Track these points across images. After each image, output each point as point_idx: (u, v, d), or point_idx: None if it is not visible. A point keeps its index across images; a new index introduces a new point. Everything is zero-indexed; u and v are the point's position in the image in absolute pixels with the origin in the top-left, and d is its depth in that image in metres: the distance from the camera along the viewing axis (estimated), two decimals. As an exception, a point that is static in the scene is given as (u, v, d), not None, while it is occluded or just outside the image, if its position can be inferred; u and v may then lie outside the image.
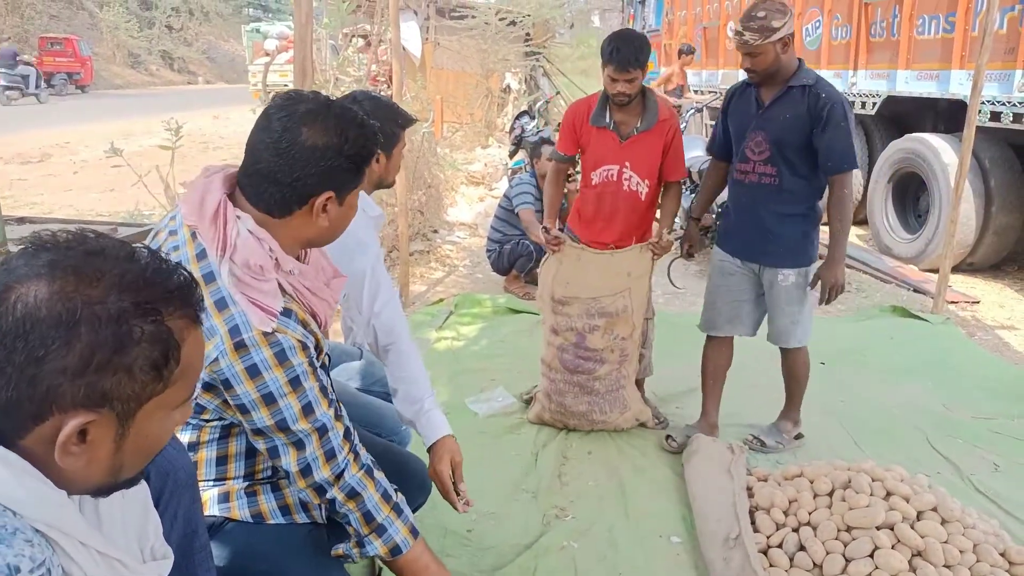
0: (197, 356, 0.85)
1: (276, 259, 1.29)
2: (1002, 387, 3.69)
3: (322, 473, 1.35)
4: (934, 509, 2.23)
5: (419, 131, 6.57)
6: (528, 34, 12.37)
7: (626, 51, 2.69)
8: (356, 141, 1.33)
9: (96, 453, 0.77)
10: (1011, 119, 5.23)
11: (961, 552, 2.12)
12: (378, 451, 1.77)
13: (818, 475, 2.43)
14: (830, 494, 2.37)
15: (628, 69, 2.70)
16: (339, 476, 1.37)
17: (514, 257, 5.13)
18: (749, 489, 2.55)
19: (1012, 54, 5.22)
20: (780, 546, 2.28)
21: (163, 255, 0.85)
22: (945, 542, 2.14)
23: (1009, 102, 5.24)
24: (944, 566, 2.09)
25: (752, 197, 2.78)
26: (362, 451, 1.45)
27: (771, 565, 2.24)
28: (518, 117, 9.41)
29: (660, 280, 3.81)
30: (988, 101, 5.30)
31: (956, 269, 5.65)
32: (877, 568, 2.10)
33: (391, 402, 2.19)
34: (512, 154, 8.56)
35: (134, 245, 0.84)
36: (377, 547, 1.41)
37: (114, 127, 14.23)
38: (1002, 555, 2.17)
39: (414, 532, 1.46)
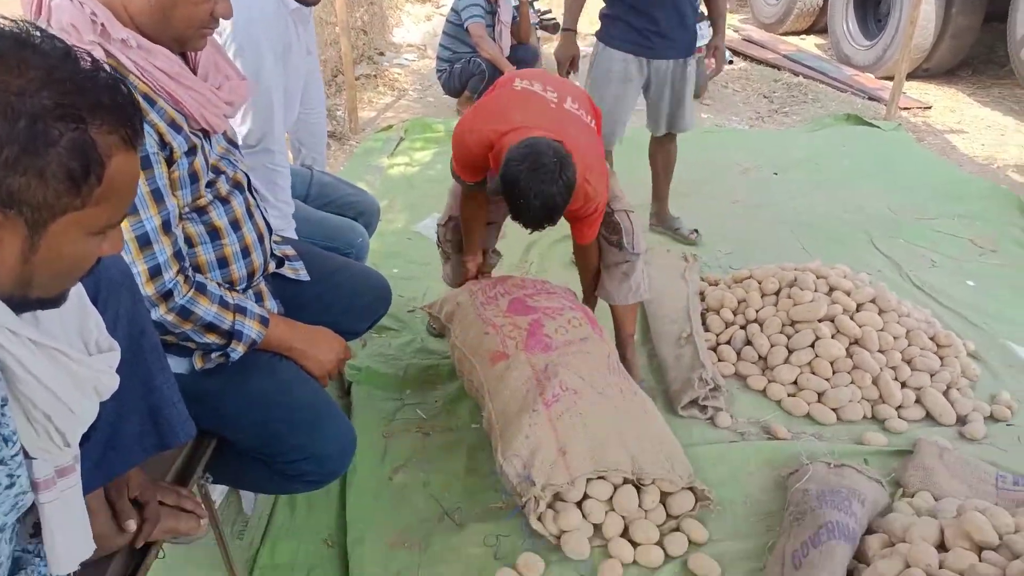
0: (127, 182, 0.79)
1: (102, 24, 1.15)
2: (946, 189, 3.80)
3: (146, 290, 1.24)
4: (873, 301, 2.36)
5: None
6: None
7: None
8: None
9: (1, 256, 0.73)
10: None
11: (895, 338, 2.27)
12: (335, 266, 1.78)
13: (766, 276, 2.53)
14: (777, 293, 2.47)
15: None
16: (165, 296, 1.27)
17: (465, 76, 4.91)
18: (701, 294, 2.65)
19: None
20: (729, 342, 2.41)
21: (112, 70, 0.77)
22: (881, 330, 2.28)
23: None
24: (879, 351, 2.24)
25: None
26: (193, 274, 1.33)
27: (720, 360, 2.38)
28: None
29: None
30: None
31: (911, 76, 5.62)
32: (817, 356, 2.25)
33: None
34: (458, -34, 7.95)
35: (79, 49, 0.76)
36: (240, 349, 1.37)
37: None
38: (932, 339, 2.33)
39: (264, 321, 1.41)
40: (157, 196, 1.24)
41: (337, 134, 4.61)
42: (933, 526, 1.56)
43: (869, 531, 1.68)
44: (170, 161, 1.26)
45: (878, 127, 4.67)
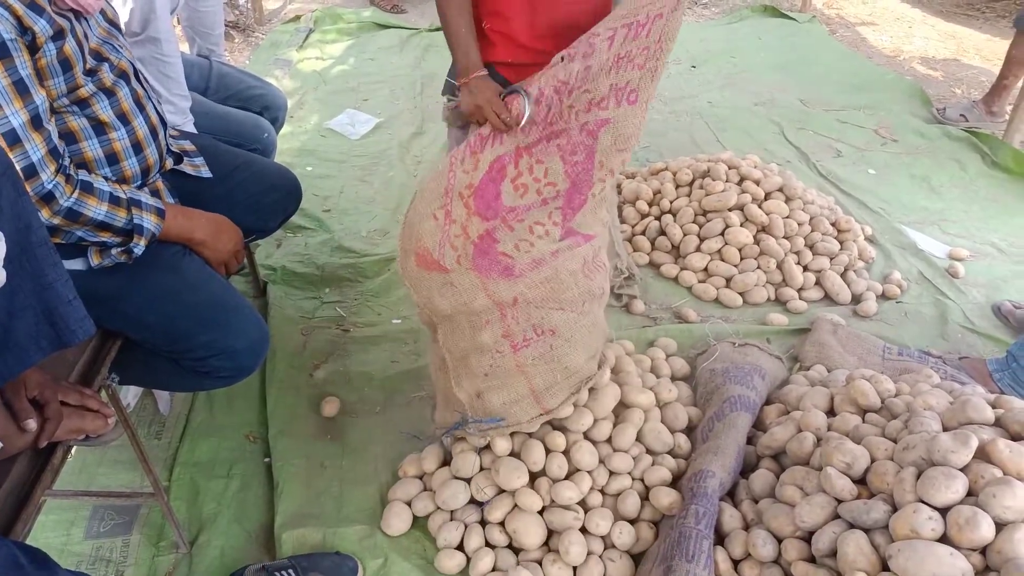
0: None
1: None
2: (855, 80, 3.89)
3: None
4: (780, 190, 2.43)
5: None
6: None
7: None
8: None
9: None
10: None
11: (799, 224, 2.36)
12: (239, 162, 1.70)
13: (681, 167, 2.57)
14: (690, 184, 2.52)
15: None
16: (47, 199, 1.18)
17: (376, -37, 4.65)
18: (618, 186, 2.67)
19: None
20: (644, 233, 2.47)
21: None
22: (787, 217, 2.37)
23: None
24: (784, 237, 2.34)
25: None
26: (75, 173, 1.25)
27: (635, 250, 2.44)
28: None
29: None
30: None
31: (828, -34, 5.62)
32: (727, 244, 2.33)
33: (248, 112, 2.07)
34: None
35: None
36: (142, 244, 1.33)
37: None
38: (833, 224, 2.44)
39: (160, 213, 1.36)
40: (21, 88, 1.13)
41: (240, 25, 4.32)
42: (824, 394, 1.68)
43: (769, 402, 1.80)
44: (34, 48, 1.14)
45: (793, 19, 4.70)
